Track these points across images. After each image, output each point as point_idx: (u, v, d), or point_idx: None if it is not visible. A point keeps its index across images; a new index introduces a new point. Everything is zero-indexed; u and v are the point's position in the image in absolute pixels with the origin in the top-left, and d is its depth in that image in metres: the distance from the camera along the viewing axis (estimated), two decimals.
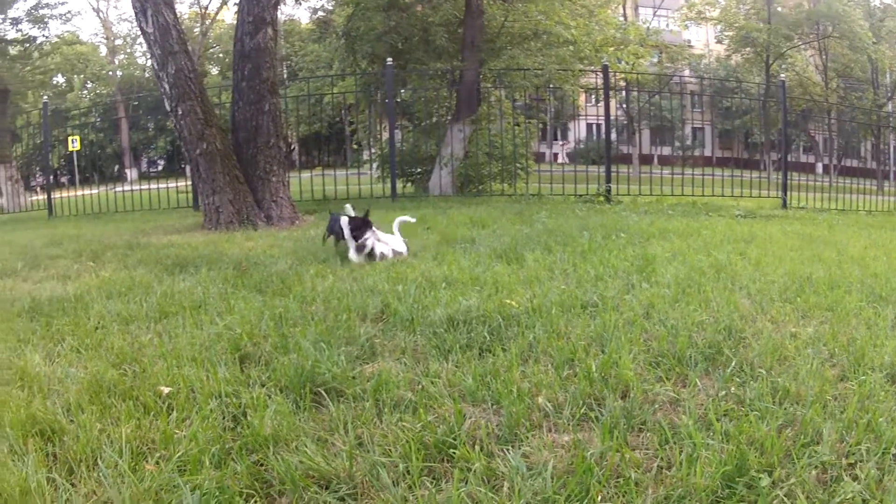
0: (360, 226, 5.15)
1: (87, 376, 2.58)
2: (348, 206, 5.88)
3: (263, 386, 2.48)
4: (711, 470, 1.81)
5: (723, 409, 2.22)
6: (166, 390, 2.42)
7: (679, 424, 2.10)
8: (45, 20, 21.62)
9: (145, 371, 2.63)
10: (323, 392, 2.39)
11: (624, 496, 1.76)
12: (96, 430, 2.12)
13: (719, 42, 41.07)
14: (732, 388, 2.39)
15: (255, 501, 1.79)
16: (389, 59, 12.77)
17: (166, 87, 7.91)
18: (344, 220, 5.23)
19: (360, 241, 5.08)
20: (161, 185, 13.75)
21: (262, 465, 1.94)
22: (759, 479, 1.79)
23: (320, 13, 20.90)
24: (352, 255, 5.13)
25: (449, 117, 15.20)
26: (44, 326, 3.41)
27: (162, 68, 7.87)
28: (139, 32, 8.15)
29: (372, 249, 5.07)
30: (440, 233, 6.59)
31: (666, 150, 31.99)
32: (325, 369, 2.53)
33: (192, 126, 7.93)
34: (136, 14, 7.97)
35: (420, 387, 2.42)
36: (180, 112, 7.93)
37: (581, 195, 11.92)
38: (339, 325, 3.18)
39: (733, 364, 2.61)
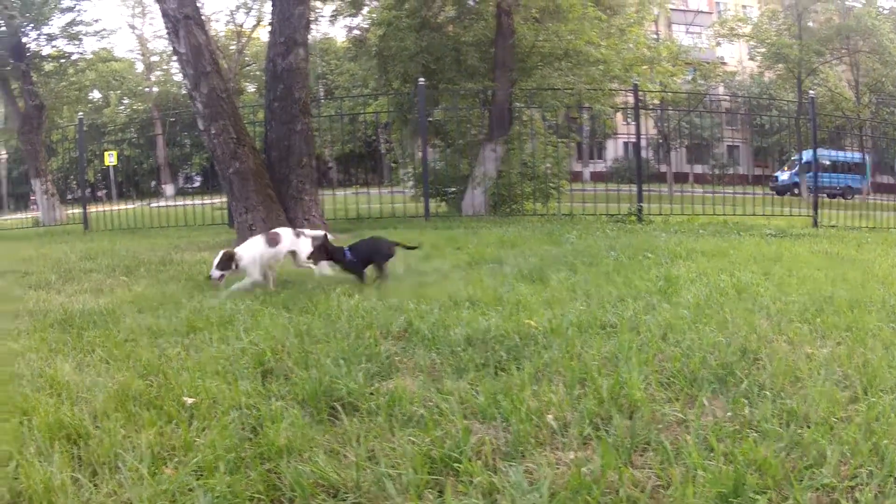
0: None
1: (115, 385, 2.71)
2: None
3: (282, 399, 2.57)
4: (707, 490, 1.84)
5: (727, 430, 2.23)
6: (190, 401, 2.53)
7: (682, 444, 2.13)
8: (80, 37, 22.07)
9: (170, 382, 2.74)
10: (339, 407, 2.47)
11: None
12: (120, 436, 2.24)
13: (752, 59, 40.68)
14: (744, 410, 2.38)
15: None
16: (422, 78, 12.90)
17: (199, 106, 8.09)
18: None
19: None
20: (197, 202, 13.96)
21: (274, 473, 2.02)
22: (755, 500, 1.80)
23: (355, 31, 21.09)
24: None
25: (482, 137, 15.27)
26: (75, 338, 3.56)
27: (195, 88, 8.06)
28: None
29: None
30: (469, 253, 6.63)
31: (701, 169, 31.70)
32: (343, 385, 2.61)
33: (224, 145, 8.10)
34: (168, 35, 8.18)
35: (432, 403, 2.49)
36: (213, 131, 8.10)
37: (613, 215, 11.92)
38: (360, 343, 3.26)
39: (744, 385, 2.61)
